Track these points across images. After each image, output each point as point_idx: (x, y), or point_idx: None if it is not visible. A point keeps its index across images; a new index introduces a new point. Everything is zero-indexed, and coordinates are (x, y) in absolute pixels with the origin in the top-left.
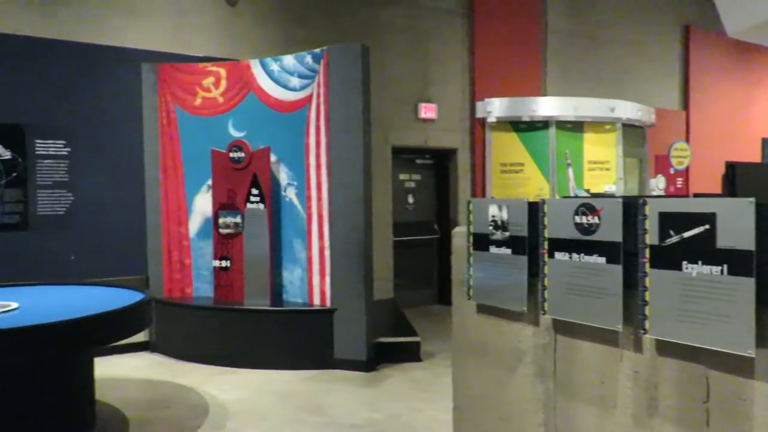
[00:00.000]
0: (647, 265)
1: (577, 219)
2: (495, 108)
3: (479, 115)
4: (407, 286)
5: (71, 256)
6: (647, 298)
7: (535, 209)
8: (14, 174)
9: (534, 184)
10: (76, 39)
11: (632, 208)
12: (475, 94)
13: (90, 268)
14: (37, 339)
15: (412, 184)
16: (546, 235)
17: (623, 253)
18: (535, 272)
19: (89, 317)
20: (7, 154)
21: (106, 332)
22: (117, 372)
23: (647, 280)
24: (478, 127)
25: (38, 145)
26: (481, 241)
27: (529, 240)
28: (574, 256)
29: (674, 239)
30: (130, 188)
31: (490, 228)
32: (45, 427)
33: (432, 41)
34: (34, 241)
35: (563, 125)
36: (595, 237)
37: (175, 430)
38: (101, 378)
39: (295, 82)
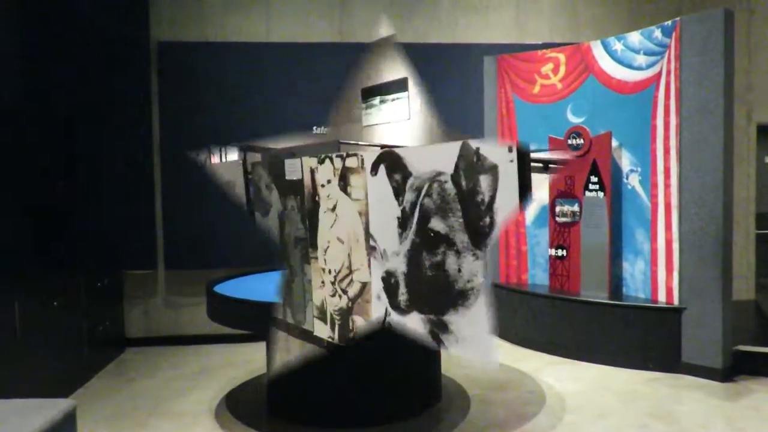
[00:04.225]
0: None
1: None
2: None
3: None
4: None
5: None
6: None
7: None
8: None
9: None
10: (428, 41)
11: None
12: None
13: None
14: None
15: None
16: None
17: None
18: None
19: None
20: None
21: None
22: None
23: None
24: None
25: None
26: None
27: None
28: None
29: None
30: None
31: None
32: (405, 396)
33: None
34: None
35: None
36: None
37: (513, 414)
38: (446, 355)
39: (640, 60)
